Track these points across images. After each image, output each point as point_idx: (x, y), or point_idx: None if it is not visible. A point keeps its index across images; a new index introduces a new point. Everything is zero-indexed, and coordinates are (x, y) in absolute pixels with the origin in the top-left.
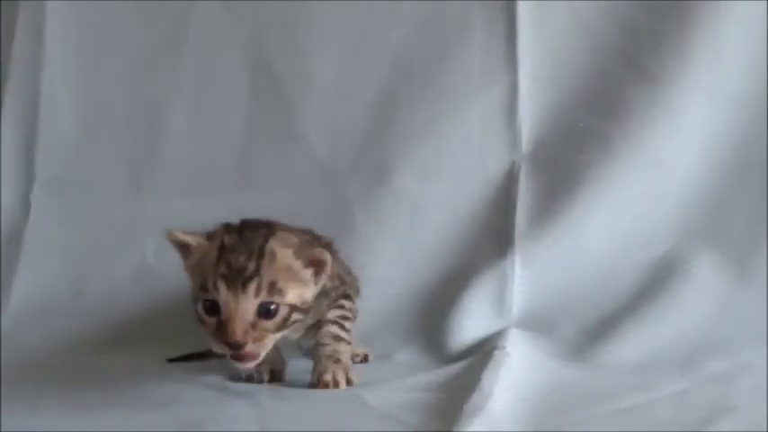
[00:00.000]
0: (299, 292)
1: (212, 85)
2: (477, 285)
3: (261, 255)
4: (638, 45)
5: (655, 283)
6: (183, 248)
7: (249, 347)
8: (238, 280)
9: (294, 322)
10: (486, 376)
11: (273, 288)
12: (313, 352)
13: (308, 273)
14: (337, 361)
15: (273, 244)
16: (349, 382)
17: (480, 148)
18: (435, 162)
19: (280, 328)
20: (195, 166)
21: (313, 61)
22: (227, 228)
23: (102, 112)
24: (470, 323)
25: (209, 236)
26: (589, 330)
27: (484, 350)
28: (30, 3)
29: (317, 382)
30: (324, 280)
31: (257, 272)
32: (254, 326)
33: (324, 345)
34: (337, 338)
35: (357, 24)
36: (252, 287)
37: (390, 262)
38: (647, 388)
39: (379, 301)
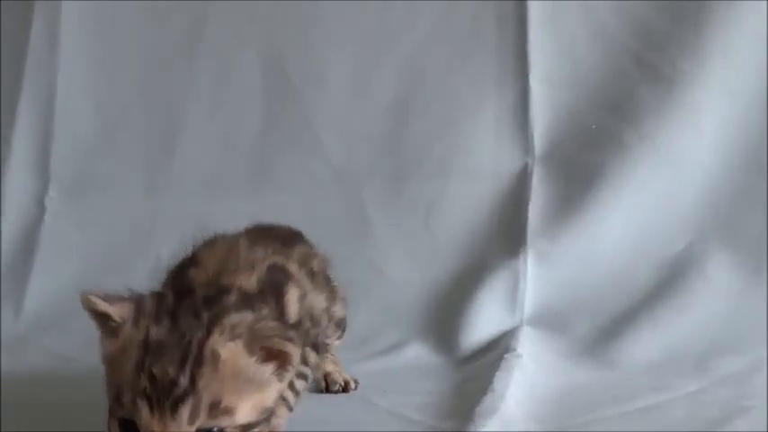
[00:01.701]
0: (255, 402)
1: (227, 87)
2: (491, 284)
3: (198, 360)
4: (652, 45)
5: (669, 281)
6: (102, 319)
7: None
8: (166, 401)
9: None
10: (499, 377)
11: (217, 408)
12: None
13: (268, 370)
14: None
15: (216, 341)
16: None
17: (493, 150)
18: (449, 163)
19: None
20: (210, 168)
21: (328, 64)
22: (158, 306)
23: (118, 113)
24: (483, 322)
25: (138, 308)
26: (602, 329)
27: (496, 351)
28: (44, 4)
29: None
30: (291, 373)
31: (193, 388)
32: None
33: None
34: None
35: (371, 27)
36: (185, 410)
37: (405, 262)
38: (662, 388)
39: (393, 300)
